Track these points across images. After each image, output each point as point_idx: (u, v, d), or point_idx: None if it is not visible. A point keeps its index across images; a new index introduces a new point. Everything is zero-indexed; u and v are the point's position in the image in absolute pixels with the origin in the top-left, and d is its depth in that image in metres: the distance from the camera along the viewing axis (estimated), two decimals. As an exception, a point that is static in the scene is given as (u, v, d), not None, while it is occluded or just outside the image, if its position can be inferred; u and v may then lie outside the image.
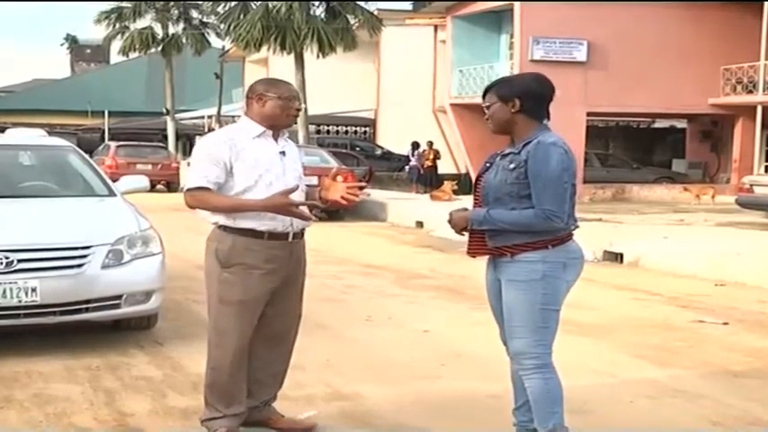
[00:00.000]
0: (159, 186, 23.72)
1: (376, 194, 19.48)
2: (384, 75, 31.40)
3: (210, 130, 34.87)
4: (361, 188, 4.17)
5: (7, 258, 5.44)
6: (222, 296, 3.98)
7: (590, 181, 23.16)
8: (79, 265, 5.64)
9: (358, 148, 29.46)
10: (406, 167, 26.66)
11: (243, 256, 3.94)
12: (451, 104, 26.13)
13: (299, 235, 4.08)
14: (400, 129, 29.25)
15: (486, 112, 3.71)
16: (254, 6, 25.49)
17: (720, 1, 23.15)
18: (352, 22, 25.50)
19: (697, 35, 23.30)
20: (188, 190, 3.95)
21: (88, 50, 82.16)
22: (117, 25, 37.24)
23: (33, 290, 5.45)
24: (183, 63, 44.53)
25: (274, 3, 24.70)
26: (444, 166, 26.39)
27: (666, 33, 23.25)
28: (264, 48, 25.35)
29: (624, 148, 30.42)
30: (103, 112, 43.77)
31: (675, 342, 6.52)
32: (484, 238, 3.65)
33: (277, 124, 4.03)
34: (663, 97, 23.35)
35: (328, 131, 33.89)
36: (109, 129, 41.45)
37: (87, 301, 5.69)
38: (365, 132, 34.46)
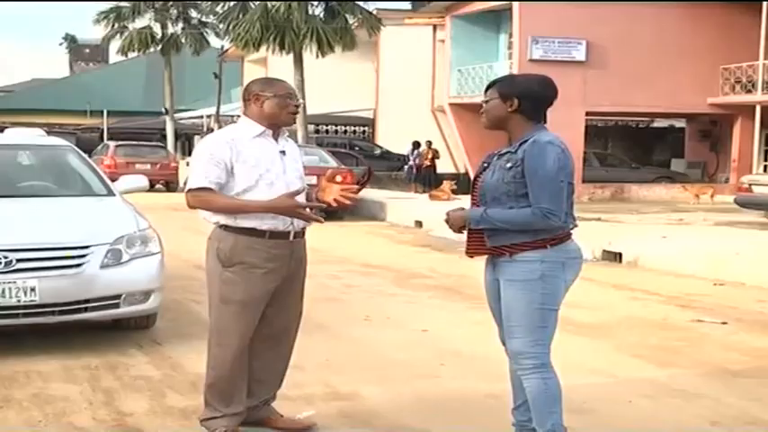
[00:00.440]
0: (158, 186, 23.70)
1: (375, 194, 19.48)
2: (383, 74, 31.38)
3: (210, 129, 34.91)
4: (357, 190, 4.16)
5: (6, 258, 5.44)
6: (223, 295, 3.98)
7: (589, 180, 23.17)
8: (78, 265, 5.64)
9: (357, 148, 29.44)
10: (405, 167, 26.66)
11: (244, 255, 3.94)
12: (450, 104, 26.14)
13: (300, 234, 4.08)
14: (399, 128, 29.23)
15: (484, 106, 3.71)
16: (252, 6, 25.47)
17: (719, 1, 23.16)
18: (351, 21, 25.47)
19: (696, 35, 23.31)
20: (190, 190, 3.95)
21: (87, 50, 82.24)
22: (116, 25, 37.18)
23: (32, 289, 5.45)
24: (182, 63, 44.50)
25: (273, 2, 24.67)
26: (443, 166, 26.40)
27: (665, 33, 23.26)
28: (263, 47, 25.32)
29: (623, 148, 30.42)
30: (102, 112, 43.76)
31: (674, 341, 6.52)
32: (482, 238, 3.65)
33: (277, 123, 4.03)
34: (662, 97, 23.36)
35: (327, 131, 33.87)
36: (108, 128, 41.46)
37: (86, 301, 5.68)
38: (364, 132, 34.45)
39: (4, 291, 5.39)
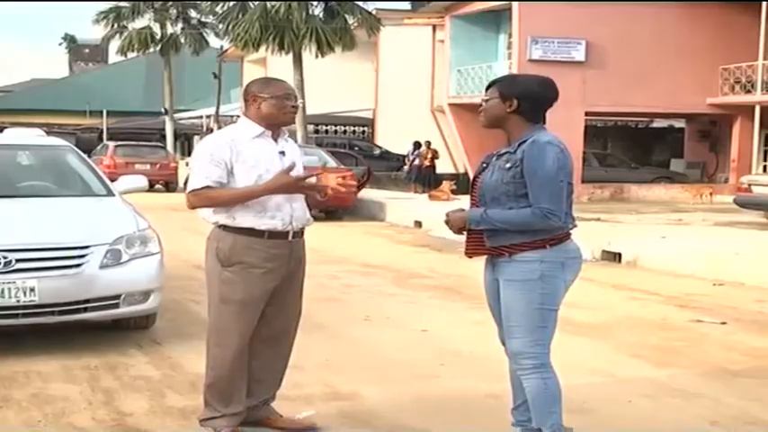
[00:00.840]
0: (158, 186, 23.69)
1: (374, 194, 19.49)
2: (382, 74, 31.38)
3: (209, 129, 34.92)
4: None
5: (5, 258, 5.44)
6: (223, 295, 3.99)
7: (588, 181, 23.16)
8: (77, 265, 5.64)
9: (356, 148, 29.43)
10: (405, 167, 26.66)
11: (243, 254, 3.94)
12: (450, 104, 26.13)
13: (299, 234, 4.09)
14: (399, 128, 29.22)
15: (483, 105, 3.71)
16: (252, 6, 25.47)
17: (719, 1, 23.16)
18: (350, 21, 25.48)
19: (695, 35, 23.30)
20: (192, 191, 3.95)
21: (86, 50, 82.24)
22: (115, 25, 37.20)
23: (32, 289, 5.45)
24: (182, 63, 44.54)
25: (273, 2, 24.68)
26: (442, 166, 26.39)
27: (665, 33, 23.25)
28: (263, 47, 25.32)
29: (622, 148, 30.40)
30: (102, 112, 43.72)
31: (674, 341, 6.52)
32: (482, 239, 3.65)
33: (275, 123, 4.03)
34: (661, 97, 23.35)
35: (327, 131, 33.88)
36: (107, 128, 41.43)
37: (86, 301, 5.68)
38: (363, 132, 34.46)
39: (3, 291, 5.38)
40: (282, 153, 4.05)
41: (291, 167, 3.91)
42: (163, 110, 39.94)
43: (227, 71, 39.39)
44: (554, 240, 3.58)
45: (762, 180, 16.66)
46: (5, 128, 9.74)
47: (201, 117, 42.21)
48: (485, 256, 3.73)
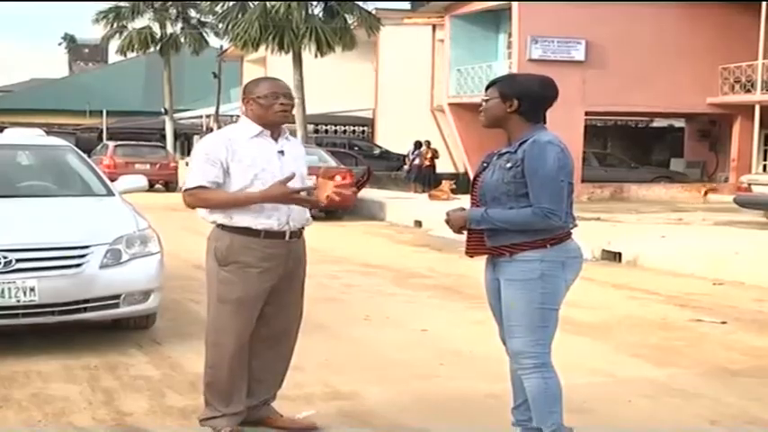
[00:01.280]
0: (158, 186, 23.69)
1: (374, 194, 19.48)
2: (382, 74, 31.37)
3: (209, 129, 34.90)
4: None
5: (5, 258, 5.44)
6: (220, 294, 4.00)
7: (588, 180, 23.16)
8: (77, 265, 5.64)
9: (356, 148, 29.44)
10: (405, 167, 26.66)
11: (240, 254, 3.95)
12: (450, 104, 26.12)
13: (297, 234, 4.08)
14: (398, 128, 29.23)
15: (483, 104, 3.71)
16: (252, 6, 25.44)
17: (719, 1, 23.16)
18: (350, 21, 25.46)
19: (695, 34, 23.30)
20: (187, 190, 3.97)
21: (86, 50, 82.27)
22: (115, 25, 37.16)
23: (32, 289, 5.45)
24: (182, 62, 44.51)
25: (272, 2, 24.65)
26: (442, 166, 26.39)
27: (664, 33, 23.25)
28: (262, 47, 25.31)
29: (622, 148, 30.41)
30: (102, 112, 43.74)
31: (674, 341, 6.52)
32: (482, 238, 3.65)
33: (267, 123, 4.01)
34: (661, 96, 23.35)
35: (326, 131, 33.88)
36: (107, 128, 41.45)
37: (86, 301, 5.68)
38: (363, 132, 34.46)
39: (3, 291, 5.38)
40: (281, 152, 4.04)
41: (290, 178, 3.89)
42: (163, 110, 39.93)
43: (226, 71, 39.39)
44: (555, 240, 3.58)
45: (761, 179, 16.66)
46: (5, 128, 9.74)
47: (201, 117, 42.20)
48: (485, 256, 3.73)
